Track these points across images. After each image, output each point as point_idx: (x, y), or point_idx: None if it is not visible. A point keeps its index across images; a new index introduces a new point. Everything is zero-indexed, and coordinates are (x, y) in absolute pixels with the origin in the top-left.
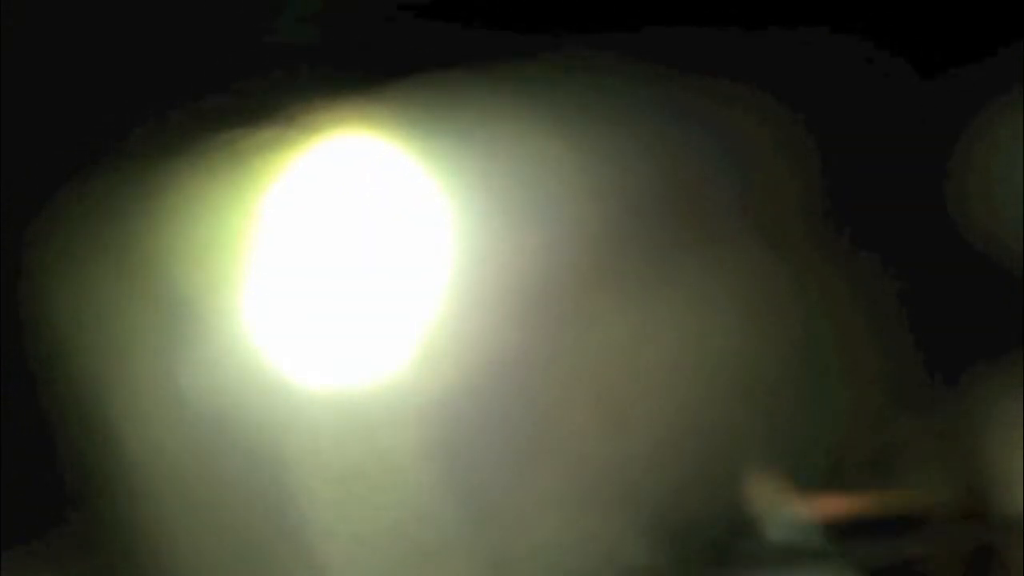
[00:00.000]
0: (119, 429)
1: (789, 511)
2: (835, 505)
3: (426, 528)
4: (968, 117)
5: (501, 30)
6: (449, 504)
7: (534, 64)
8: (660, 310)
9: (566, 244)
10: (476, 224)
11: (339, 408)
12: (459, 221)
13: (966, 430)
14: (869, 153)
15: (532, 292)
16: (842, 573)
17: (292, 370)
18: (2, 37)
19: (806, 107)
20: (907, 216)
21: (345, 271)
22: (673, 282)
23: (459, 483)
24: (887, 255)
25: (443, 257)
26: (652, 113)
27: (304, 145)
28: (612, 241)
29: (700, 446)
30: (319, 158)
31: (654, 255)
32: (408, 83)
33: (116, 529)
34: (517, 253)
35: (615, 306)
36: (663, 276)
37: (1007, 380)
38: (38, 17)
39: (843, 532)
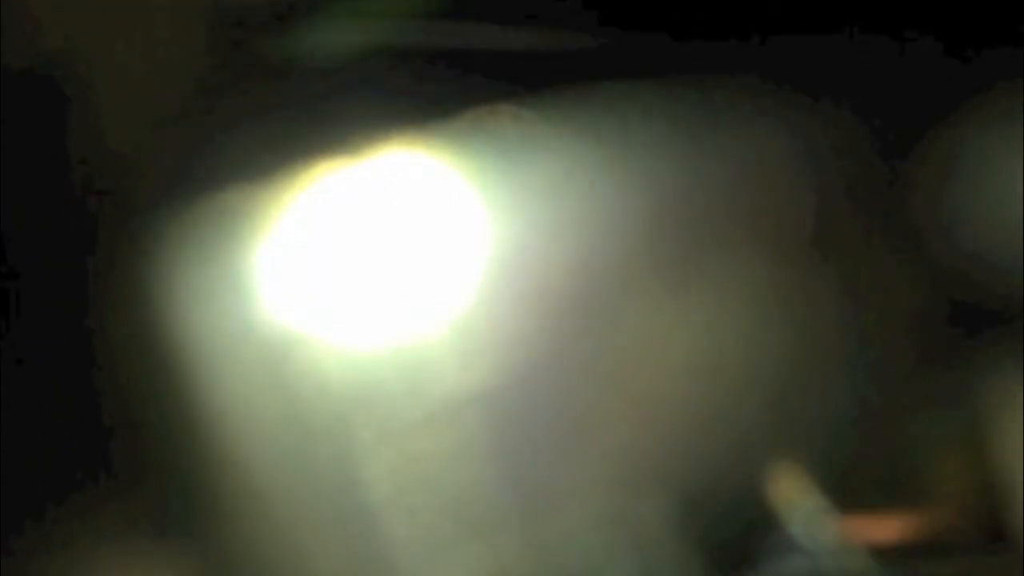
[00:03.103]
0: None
1: (809, 506)
2: (869, 529)
3: (473, 508)
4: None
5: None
6: (494, 487)
7: (571, 83)
8: (688, 310)
9: (601, 249)
10: (518, 231)
11: (392, 399)
12: (502, 229)
13: (982, 430)
14: (886, 154)
15: (569, 293)
16: (858, 565)
17: (347, 367)
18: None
19: (826, 113)
20: (922, 218)
21: (396, 274)
22: (700, 283)
23: (502, 468)
24: (907, 257)
25: (486, 261)
26: (682, 126)
27: (359, 167)
28: (644, 246)
29: (725, 437)
30: (372, 175)
31: (682, 259)
32: (453, 102)
33: (188, 501)
34: (555, 258)
35: (646, 306)
36: (691, 278)
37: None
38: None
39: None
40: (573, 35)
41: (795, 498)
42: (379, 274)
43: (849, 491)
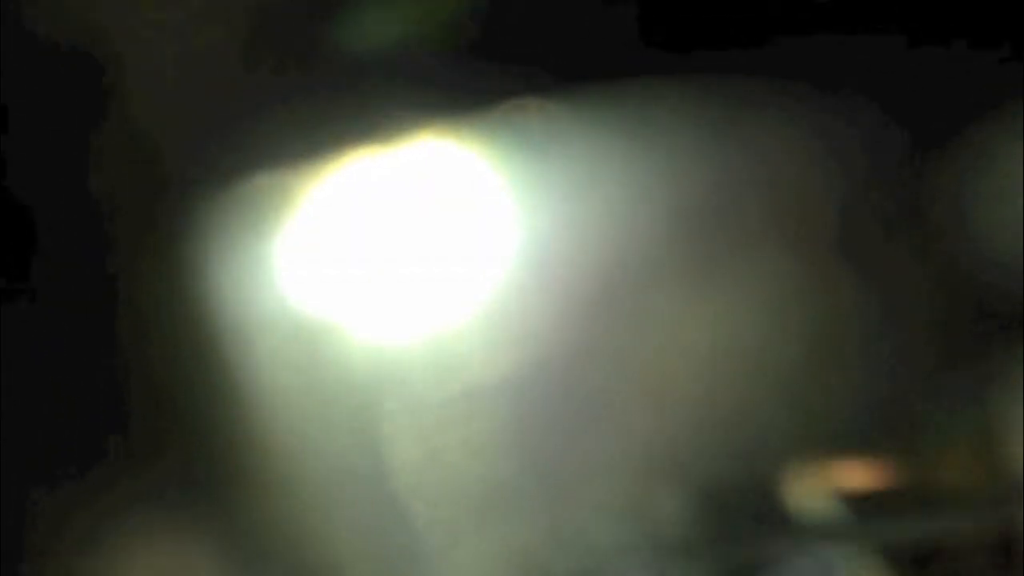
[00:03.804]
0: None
1: (822, 497)
2: (860, 475)
3: (494, 495)
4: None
5: (569, 56)
6: (515, 475)
7: (609, 80)
8: (711, 305)
9: (627, 242)
10: (546, 222)
11: (417, 386)
12: (530, 220)
13: (998, 430)
14: (909, 155)
15: (595, 286)
16: (871, 557)
17: (372, 351)
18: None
19: (850, 112)
20: (943, 218)
21: (424, 263)
22: (724, 278)
23: (524, 457)
24: (928, 257)
25: (513, 252)
26: (709, 123)
27: (390, 156)
28: (669, 240)
29: (743, 432)
30: (404, 165)
31: (706, 254)
32: (485, 94)
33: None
34: (581, 250)
35: (670, 300)
36: (715, 273)
37: None
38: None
39: (867, 510)
40: (603, 33)
41: (810, 499)
42: (407, 262)
43: (862, 487)
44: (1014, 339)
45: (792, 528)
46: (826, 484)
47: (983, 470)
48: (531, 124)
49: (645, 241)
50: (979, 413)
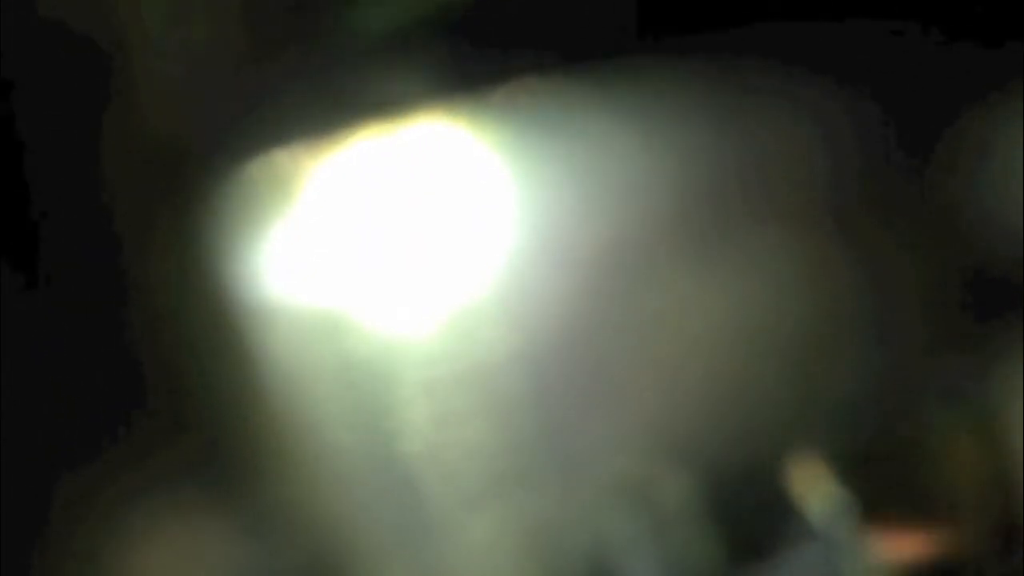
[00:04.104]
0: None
1: (827, 495)
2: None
3: (505, 468)
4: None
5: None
6: (522, 445)
7: (610, 60)
8: (711, 282)
9: (635, 220)
10: (554, 200)
11: (429, 359)
12: (538, 197)
13: (998, 414)
14: (911, 139)
15: (605, 262)
16: (872, 558)
17: (383, 333)
18: None
19: (851, 95)
20: (945, 201)
21: (434, 246)
22: (723, 257)
23: (531, 427)
24: (929, 240)
25: (518, 233)
26: (717, 102)
27: (399, 135)
28: (676, 217)
29: (748, 412)
30: (413, 143)
31: (704, 234)
32: (490, 74)
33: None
34: (588, 228)
35: (670, 277)
36: (713, 252)
37: None
38: None
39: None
40: (604, 12)
41: (814, 486)
42: (417, 241)
43: (865, 473)
44: (1015, 320)
45: (794, 523)
46: (830, 485)
47: (984, 449)
48: (534, 104)
49: (648, 220)
50: (981, 393)
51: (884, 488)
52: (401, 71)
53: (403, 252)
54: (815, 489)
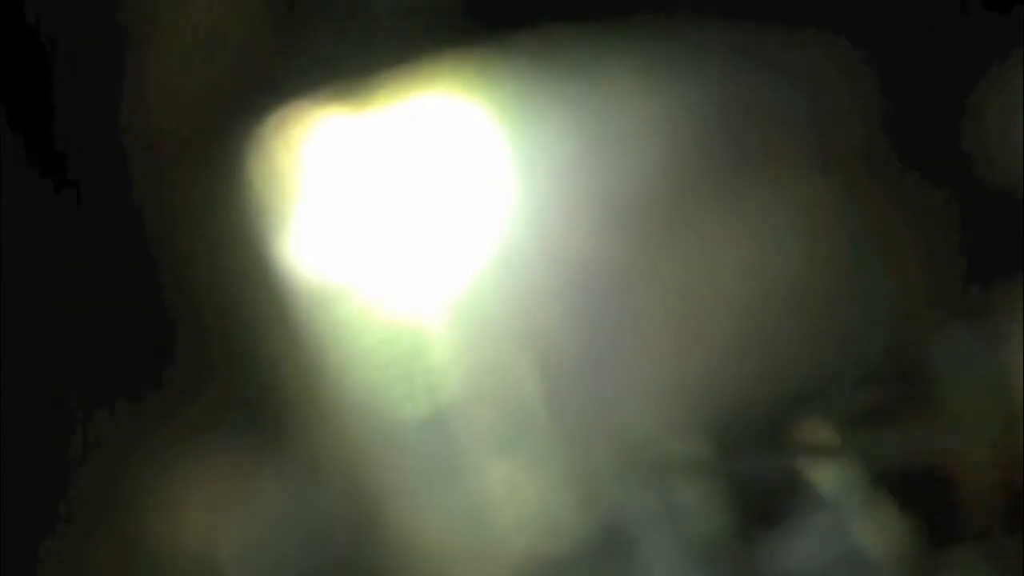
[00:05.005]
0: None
1: (836, 462)
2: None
3: (516, 412)
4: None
5: None
6: (537, 392)
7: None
8: (728, 230)
9: (646, 173)
10: (571, 153)
11: (444, 305)
12: (554, 152)
13: (1009, 371)
14: (922, 82)
15: (619, 214)
16: (884, 524)
17: (396, 272)
18: None
19: (863, 43)
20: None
21: (451, 200)
22: (739, 204)
23: (546, 373)
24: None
25: (533, 184)
26: (720, 58)
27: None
28: (685, 169)
29: (762, 349)
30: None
31: (721, 181)
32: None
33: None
34: (604, 181)
35: (689, 225)
36: (730, 199)
37: None
38: None
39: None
40: None
41: (824, 454)
42: (431, 196)
43: (874, 439)
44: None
45: (805, 474)
46: (841, 454)
47: (991, 411)
48: (537, 60)
49: (655, 174)
50: (988, 354)
51: (892, 453)
52: (405, 43)
53: (427, 205)
54: (825, 457)
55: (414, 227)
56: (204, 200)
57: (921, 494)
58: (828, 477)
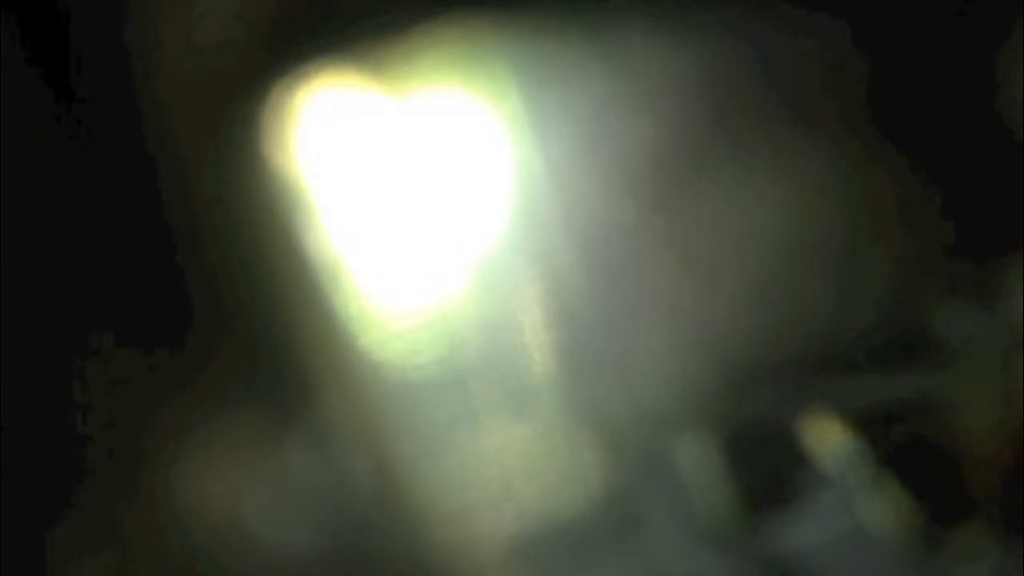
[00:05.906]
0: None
1: (841, 441)
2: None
3: (534, 374)
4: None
5: None
6: (553, 354)
7: None
8: (741, 192)
9: (663, 135)
10: (588, 115)
11: (461, 268)
12: (571, 114)
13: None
14: (919, 52)
15: (634, 173)
16: (890, 502)
17: (414, 236)
18: None
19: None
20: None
21: (466, 162)
22: (751, 168)
23: (563, 335)
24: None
25: (560, 143)
26: (737, 17)
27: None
28: (702, 130)
29: (775, 306)
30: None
31: (739, 142)
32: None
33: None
34: (621, 143)
35: (702, 188)
36: (748, 160)
37: None
38: None
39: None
40: None
41: (829, 434)
42: (449, 162)
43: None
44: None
45: (810, 474)
46: (846, 435)
47: (996, 393)
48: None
49: (678, 129)
50: (992, 334)
51: (897, 434)
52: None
53: (444, 169)
54: (830, 437)
55: (431, 190)
56: (222, 160)
57: (927, 472)
58: (833, 455)
